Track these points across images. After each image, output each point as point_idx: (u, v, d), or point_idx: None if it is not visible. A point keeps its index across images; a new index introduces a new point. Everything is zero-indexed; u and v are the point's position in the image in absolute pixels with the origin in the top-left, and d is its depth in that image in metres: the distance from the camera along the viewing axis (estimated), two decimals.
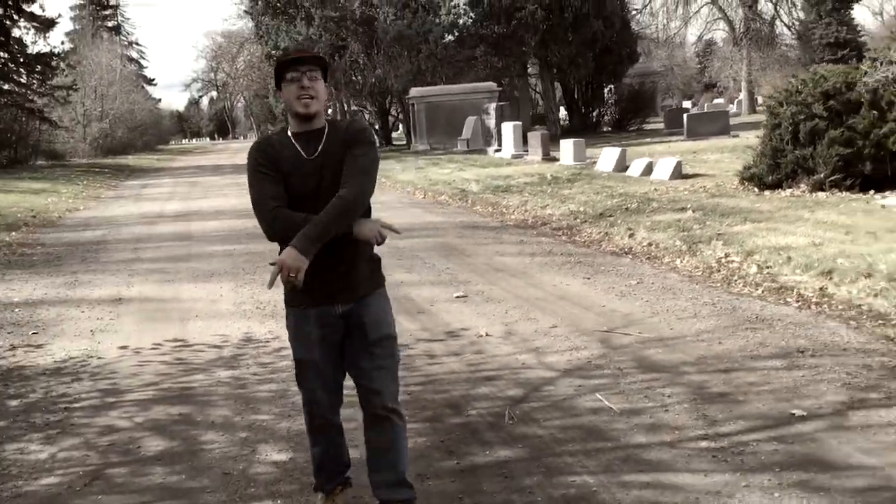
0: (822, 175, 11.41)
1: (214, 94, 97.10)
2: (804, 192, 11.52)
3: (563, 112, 45.13)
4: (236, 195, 18.31)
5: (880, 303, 6.01)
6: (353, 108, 44.16)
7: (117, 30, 79.18)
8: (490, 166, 21.64)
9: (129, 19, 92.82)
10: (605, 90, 41.06)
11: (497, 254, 9.42)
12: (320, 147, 3.06)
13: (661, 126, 34.02)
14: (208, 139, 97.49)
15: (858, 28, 54.55)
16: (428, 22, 36.25)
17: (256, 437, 4.35)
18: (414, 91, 34.76)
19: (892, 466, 3.53)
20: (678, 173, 15.22)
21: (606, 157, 18.39)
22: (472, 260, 9.10)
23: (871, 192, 11.03)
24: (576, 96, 41.36)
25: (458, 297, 7.30)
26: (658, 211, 11.12)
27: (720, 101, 52.43)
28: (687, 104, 49.79)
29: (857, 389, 4.44)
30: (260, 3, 38.79)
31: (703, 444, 3.88)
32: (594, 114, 41.04)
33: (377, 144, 2.94)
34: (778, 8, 49.07)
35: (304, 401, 3.35)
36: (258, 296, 7.71)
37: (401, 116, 45.31)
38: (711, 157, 18.41)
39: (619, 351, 5.44)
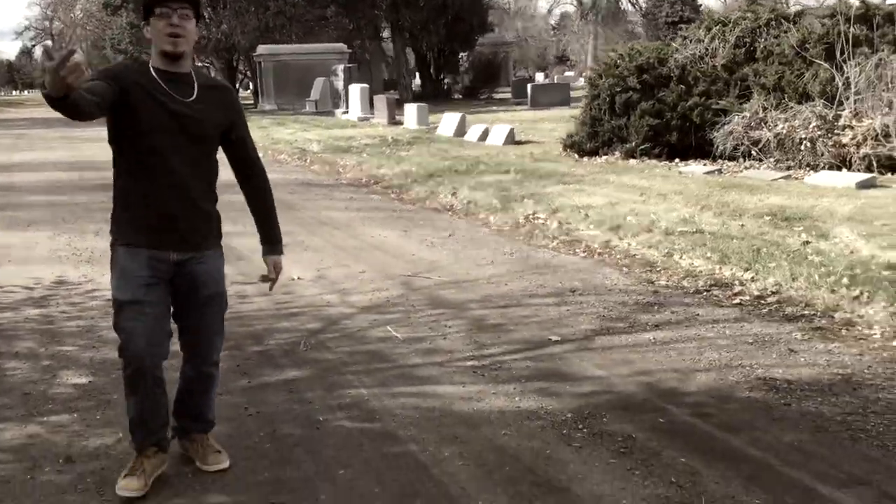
0: (633, 144, 12.37)
1: (49, 43, 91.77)
2: (618, 159, 12.45)
3: (417, 79, 45.58)
4: (64, 148, 17.81)
5: (652, 253, 6.79)
6: (198, 63, 42.99)
7: None
8: (335, 128, 21.83)
9: None
10: (459, 58, 41.70)
11: (325, 209, 9.78)
12: (194, 94, 2.97)
13: (510, 96, 35.04)
14: (40, 91, 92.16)
15: (702, 8, 57.30)
16: None
17: (59, 365, 4.58)
18: (262, 49, 34.29)
19: (616, 377, 4.18)
20: (511, 139, 15.98)
21: (447, 122, 18.99)
22: (300, 214, 9.42)
23: (676, 160, 12.07)
24: (428, 62, 41.94)
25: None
26: (484, 173, 11.75)
27: (570, 73, 54.22)
28: (539, 76, 51.24)
29: (609, 320, 5.11)
30: None
31: (469, 363, 4.43)
32: (446, 81, 41.73)
33: None
34: None
35: (122, 347, 3.08)
36: (75, 243, 7.78)
37: (249, 75, 44.46)
38: (547, 126, 19.32)
39: (417, 292, 5.95)
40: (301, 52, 33.70)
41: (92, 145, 18.78)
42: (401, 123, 21.75)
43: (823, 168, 9.96)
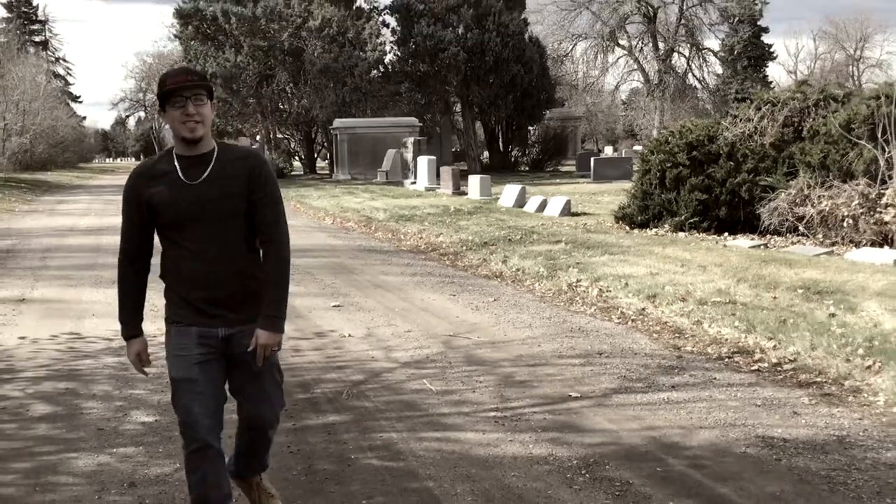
0: (682, 217, 12.72)
1: (142, 114, 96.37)
2: (667, 231, 12.81)
3: (485, 151, 46.61)
4: None
5: (683, 321, 7.14)
6: (279, 135, 44.85)
7: (45, 45, 78.43)
8: (402, 197, 22.63)
9: (57, 35, 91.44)
10: (528, 131, 42.62)
11: (382, 273, 10.37)
12: (207, 173, 3.06)
13: (574, 169, 35.64)
14: (133, 159, 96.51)
15: (773, 84, 57.31)
16: (354, 56, 37.37)
17: (129, 406, 5.17)
18: (338, 122, 35.72)
19: (625, 430, 4.56)
20: (567, 211, 16.47)
21: (508, 193, 19.58)
22: (358, 277, 10.02)
23: (725, 234, 12.38)
24: (496, 135, 42.98)
25: (334, 305, 8.21)
26: (536, 242, 12.24)
27: (639, 147, 54.64)
28: (609, 150, 51.77)
29: (628, 381, 5.49)
30: (190, 27, 39.32)
31: (492, 414, 4.86)
32: (513, 153, 42.66)
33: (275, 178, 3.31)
34: (690, 62, 51.75)
35: (181, 423, 3.14)
36: (153, 300, 8.48)
37: (325, 146, 46.11)
38: (606, 198, 19.74)
39: (456, 350, 6.42)
40: (374, 126, 35.00)
41: None
42: (465, 194, 22.45)
43: (865, 245, 10.17)
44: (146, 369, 3.33)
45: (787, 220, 11.20)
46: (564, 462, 4.13)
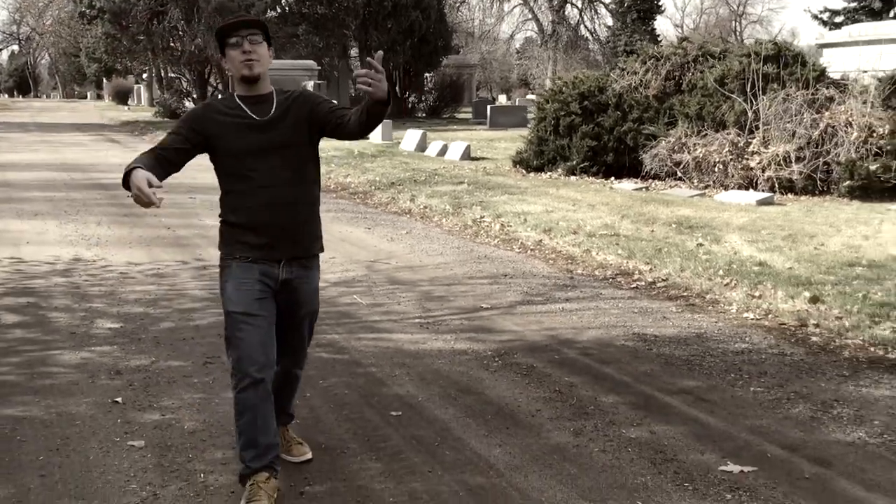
0: (574, 162, 13.80)
1: (16, 48, 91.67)
2: (560, 175, 13.87)
3: None
4: (47, 151, 18.81)
5: (574, 250, 8.15)
6: (171, 74, 43.95)
7: None
8: None
9: None
10: (424, 78, 43.15)
11: None
12: (273, 111, 3.15)
13: (471, 116, 36.56)
14: (6, 96, 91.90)
15: (660, 38, 59.08)
16: None
17: (92, 315, 5.79)
18: None
19: (528, 331, 5.51)
20: (467, 155, 17.36)
21: (410, 138, 20.32)
22: None
23: (612, 178, 13.52)
24: (394, 81, 43.38)
25: None
26: (440, 183, 13.09)
27: (532, 96, 55.89)
28: (502, 98, 52.87)
29: (529, 296, 6.45)
30: None
31: (417, 321, 5.73)
32: (410, 99, 43.21)
33: None
34: (583, 14, 53.15)
35: (235, 359, 3.11)
36: (81, 230, 8.96)
37: (220, 87, 45.41)
38: (502, 144, 20.72)
39: (378, 273, 7.24)
40: (272, 68, 34.38)
41: (74, 149, 19.85)
42: (366, 138, 23.01)
43: (733, 188, 11.46)
44: (158, 195, 2.82)
45: (666, 165, 12.41)
46: (481, 353, 5.04)
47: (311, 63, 35.78)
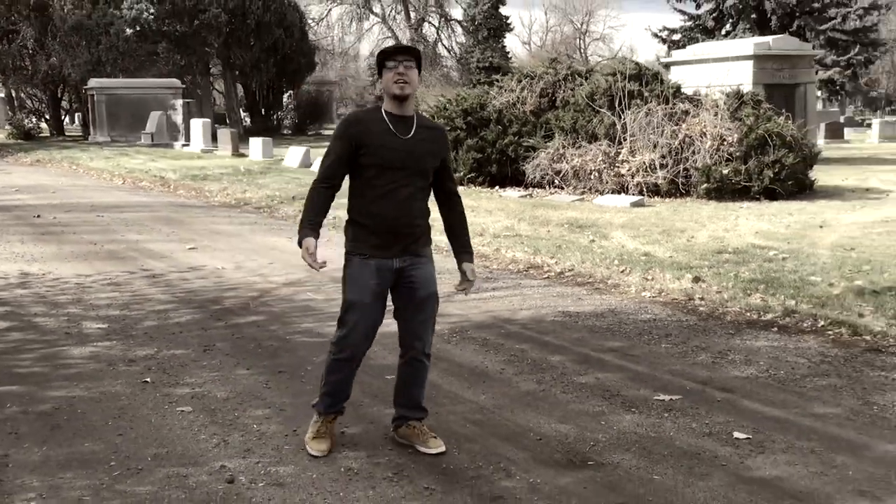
0: (462, 173, 14.92)
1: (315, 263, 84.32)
2: None
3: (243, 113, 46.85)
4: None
5: (485, 249, 9.19)
6: (22, 95, 42.43)
7: None
8: (182, 158, 23.23)
9: None
10: (289, 95, 43.50)
11: (212, 223, 11.61)
12: (412, 132, 3.65)
13: None
14: None
15: (510, 55, 61.42)
16: (109, 14, 36.37)
17: (76, 318, 6.34)
18: (93, 82, 34.67)
19: (472, 314, 6.48)
20: None
21: (293, 154, 20.96)
22: (193, 226, 11.21)
23: (496, 187, 14.73)
24: (257, 99, 43.54)
25: (190, 248, 9.46)
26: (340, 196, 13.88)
27: None
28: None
29: None
30: None
31: None
32: (274, 117, 43.48)
33: None
34: (440, 32, 54.93)
35: (341, 336, 3.79)
36: (11, 248, 9.29)
37: (75, 106, 44.24)
38: None
39: (320, 274, 8.01)
40: (135, 87, 34.40)
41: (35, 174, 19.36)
42: (245, 156, 23.44)
43: (608, 192, 12.87)
44: (319, 261, 3.69)
45: (547, 174, 13.72)
46: (438, 332, 5.90)
47: (174, 81, 35.55)
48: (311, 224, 3.74)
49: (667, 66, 20.30)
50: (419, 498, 3.48)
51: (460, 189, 13.51)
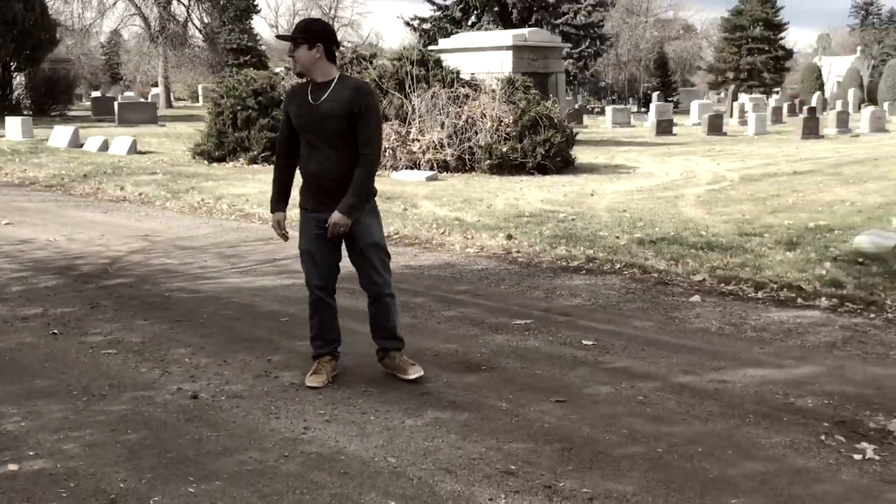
0: (256, 152, 15.32)
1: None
2: (243, 164, 15.30)
3: None
4: None
5: None
6: None
7: None
8: None
9: None
10: (29, 72, 40.52)
11: (12, 201, 11.27)
12: (324, 97, 4.06)
13: (90, 113, 35.51)
14: None
15: (258, 37, 60.63)
16: None
17: (35, 271, 6.35)
18: None
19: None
20: (134, 149, 17.91)
21: (59, 134, 20.06)
22: None
23: None
24: None
25: (6, 223, 9.30)
26: (135, 174, 13.85)
27: (130, 93, 54.51)
28: (96, 94, 51.09)
29: None
30: None
31: (233, 270, 7.13)
32: (13, 95, 40.37)
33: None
34: (190, 11, 53.36)
35: (306, 281, 4.38)
36: None
37: None
38: (153, 140, 21.34)
39: (159, 243, 8.35)
40: None
41: None
42: (1, 136, 22.00)
43: (403, 168, 13.89)
44: (287, 233, 4.43)
45: None
46: (292, 289, 6.64)
47: None
48: (277, 199, 4.45)
49: (439, 52, 21.68)
50: (362, 396, 4.26)
51: (256, 167, 13.87)
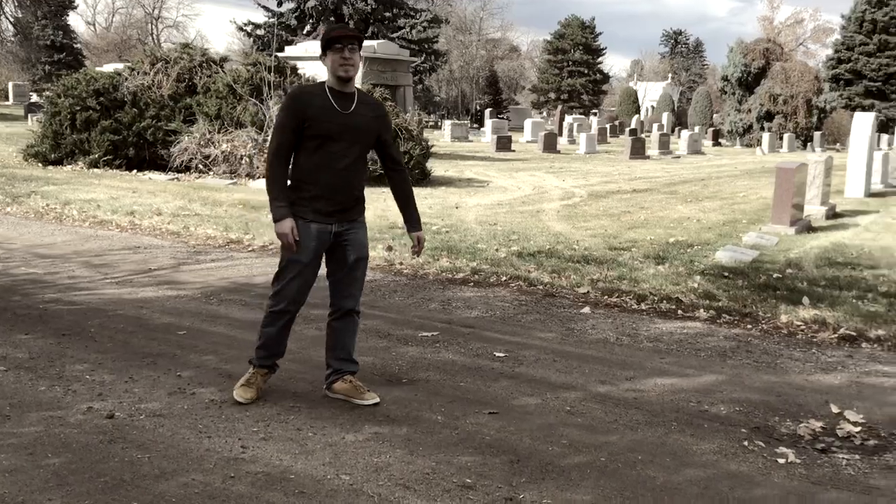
0: (97, 155, 14.46)
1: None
2: (83, 167, 14.40)
3: None
4: None
5: (172, 227, 9.41)
6: None
7: None
8: None
9: None
10: None
11: None
12: (352, 107, 3.93)
13: None
14: None
15: (74, 34, 57.40)
16: None
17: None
18: None
19: (210, 280, 6.89)
20: None
21: None
22: None
23: (134, 170, 14.52)
24: None
25: None
26: None
27: None
28: None
29: (179, 260, 7.73)
30: None
31: (108, 281, 6.68)
32: None
33: None
34: (3, 4, 49.73)
35: (278, 291, 4.06)
36: None
37: None
38: None
39: (15, 251, 7.72)
40: None
41: None
42: None
43: (260, 177, 13.52)
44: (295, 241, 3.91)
45: (196, 158, 13.92)
46: (191, 295, 6.34)
47: None
48: (282, 202, 3.91)
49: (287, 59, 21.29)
50: (292, 412, 4.10)
51: (97, 171, 13.29)
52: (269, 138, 13.40)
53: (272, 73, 14.43)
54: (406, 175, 4.30)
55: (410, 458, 3.64)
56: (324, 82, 4.05)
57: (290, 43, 41.42)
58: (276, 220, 3.91)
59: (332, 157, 3.94)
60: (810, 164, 12.13)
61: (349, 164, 3.99)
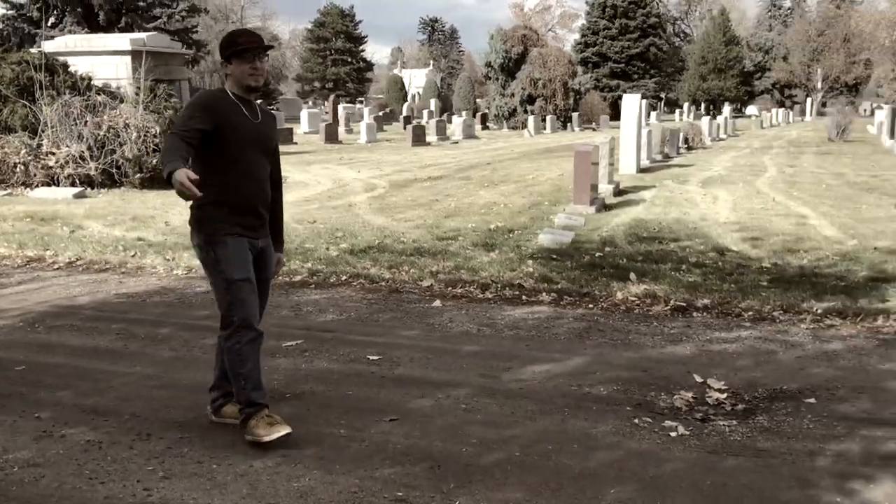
0: None
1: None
2: None
3: None
4: None
5: None
6: None
7: None
8: None
9: None
10: None
11: None
12: (259, 116, 3.78)
13: None
14: None
15: None
16: None
17: None
18: None
19: (30, 304, 6.25)
20: None
21: None
22: None
23: None
24: None
25: None
26: None
27: None
28: None
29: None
30: None
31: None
32: None
33: None
34: None
35: (239, 319, 3.67)
36: None
37: None
38: None
39: None
40: None
41: None
42: None
43: (39, 185, 12.38)
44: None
45: None
46: (11, 324, 5.71)
47: None
48: (173, 157, 3.35)
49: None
50: (182, 444, 3.82)
51: None
52: (43, 143, 12.35)
53: (42, 73, 13.22)
54: (282, 193, 4.11)
55: (331, 479, 3.50)
56: (225, 90, 3.77)
57: (34, 36, 38.23)
58: (169, 175, 3.26)
59: (251, 167, 3.76)
60: (599, 146, 12.89)
61: (264, 174, 3.86)
